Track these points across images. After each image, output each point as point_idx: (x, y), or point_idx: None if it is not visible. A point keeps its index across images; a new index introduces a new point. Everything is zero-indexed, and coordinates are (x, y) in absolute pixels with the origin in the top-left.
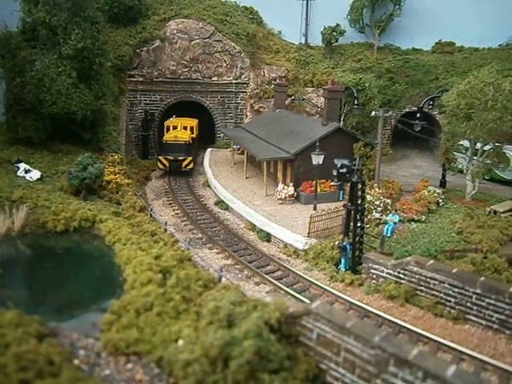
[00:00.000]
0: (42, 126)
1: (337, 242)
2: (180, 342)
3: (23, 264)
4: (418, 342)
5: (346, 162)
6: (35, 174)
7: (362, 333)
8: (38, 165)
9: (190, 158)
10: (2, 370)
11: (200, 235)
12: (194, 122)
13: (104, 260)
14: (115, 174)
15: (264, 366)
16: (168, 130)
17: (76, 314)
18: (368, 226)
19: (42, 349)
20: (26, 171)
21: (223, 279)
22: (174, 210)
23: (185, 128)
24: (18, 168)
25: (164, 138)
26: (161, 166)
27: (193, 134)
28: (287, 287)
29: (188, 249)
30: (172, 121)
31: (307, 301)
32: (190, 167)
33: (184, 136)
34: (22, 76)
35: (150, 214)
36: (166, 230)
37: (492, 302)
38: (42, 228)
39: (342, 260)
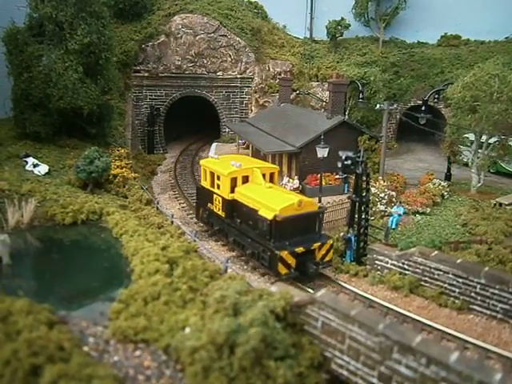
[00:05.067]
0: (49, 120)
1: (342, 234)
2: (187, 330)
3: (33, 255)
4: (422, 332)
5: (350, 154)
6: (43, 168)
7: (366, 321)
8: (45, 159)
9: (330, 242)
10: (15, 354)
11: (206, 228)
12: (271, 165)
13: (111, 251)
14: (122, 168)
15: (270, 353)
16: (234, 184)
17: (85, 303)
18: (373, 218)
19: (53, 335)
20: (34, 165)
21: (229, 270)
22: (179, 204)
23: (264, 176)
24: (27, 162)
25: (275, 210)
26: (284, 271)
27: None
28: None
29: (194, 241)
30: (235, 168)
31: (312, 291)
32: (328, 258)
33: (309, 200)
34: (30, 71)
35: (157, 207)
36: (172, 222)
37: (496, 291)
38: (51, 221)
39: (347, 251)
